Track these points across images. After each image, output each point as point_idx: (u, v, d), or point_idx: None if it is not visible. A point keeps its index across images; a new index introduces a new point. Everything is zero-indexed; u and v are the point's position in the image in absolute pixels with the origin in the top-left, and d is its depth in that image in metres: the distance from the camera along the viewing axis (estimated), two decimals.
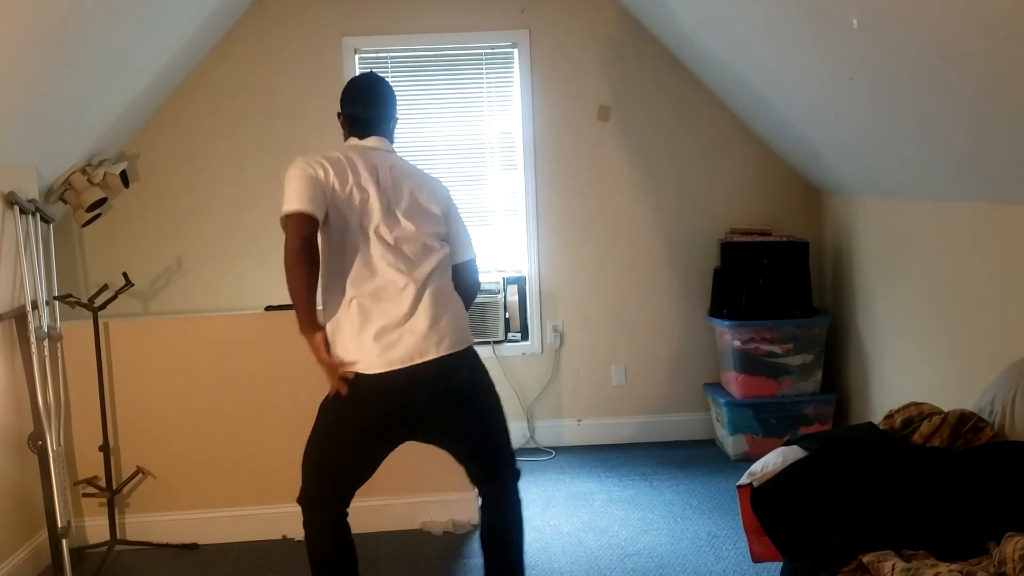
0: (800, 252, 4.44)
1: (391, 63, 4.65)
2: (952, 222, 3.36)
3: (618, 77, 4.67)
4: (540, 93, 4.67)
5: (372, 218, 2.49)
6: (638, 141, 4.71)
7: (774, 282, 4.40)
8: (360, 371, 2.41)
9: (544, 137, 4.69)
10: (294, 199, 2.41)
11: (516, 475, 2.68)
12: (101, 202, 4.06)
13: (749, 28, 3.49)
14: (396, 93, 2.81)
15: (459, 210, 2.74)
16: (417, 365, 2.42)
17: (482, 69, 4.70)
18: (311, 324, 2.45)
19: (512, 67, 4.69)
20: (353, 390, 2.42)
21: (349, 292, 2.46)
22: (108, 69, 3.68)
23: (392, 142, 2.72)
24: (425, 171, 2.71)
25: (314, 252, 2.41)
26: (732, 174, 4.74)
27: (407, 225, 2.52)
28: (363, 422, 2.47)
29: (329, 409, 2.51)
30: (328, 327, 2.49)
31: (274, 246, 4.62)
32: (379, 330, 2.42)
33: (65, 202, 4.00)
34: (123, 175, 4.12)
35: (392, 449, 2.57)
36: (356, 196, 2.49)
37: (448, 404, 2.52)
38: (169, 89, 4.51)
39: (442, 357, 2.44)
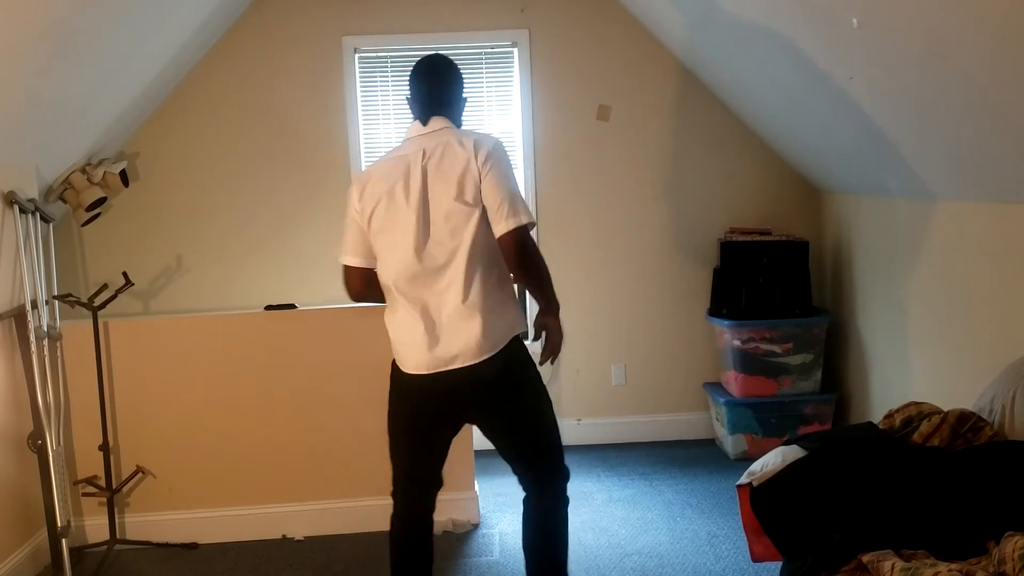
0: (800, 252, 4.44)
1: (391, 63, 4.65)
2: (952, 222, 3.36)
3: (618, 77, 4.67)
4: (540, 93, 4.67)
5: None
6: (638, 141, 4.71)
7: (774, 282, 4.40)
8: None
9: (544, 137, 4.69)
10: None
11: (551, 480, 2.64)
12: (101, 201, 4.05)
13: (749, 28, 3.49)
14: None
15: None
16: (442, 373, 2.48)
17: (482, 69, 4.69)
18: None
19: (512, 67, 4.69)
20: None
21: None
22: (108, 68, 3.68)
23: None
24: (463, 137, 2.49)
25: None
26: (732, 174, 4.74)
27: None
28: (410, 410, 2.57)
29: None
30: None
31: (273, 245, 4.65)
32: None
33: (65, 201, 3.99)
34: (123, 174, 4.12)
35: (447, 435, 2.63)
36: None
37: (471, 408, 2.58)
38: (169, 89, 4.51)
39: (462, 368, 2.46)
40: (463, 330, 2.41)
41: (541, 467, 2.63)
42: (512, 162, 2.53)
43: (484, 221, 2.42)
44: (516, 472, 2.66)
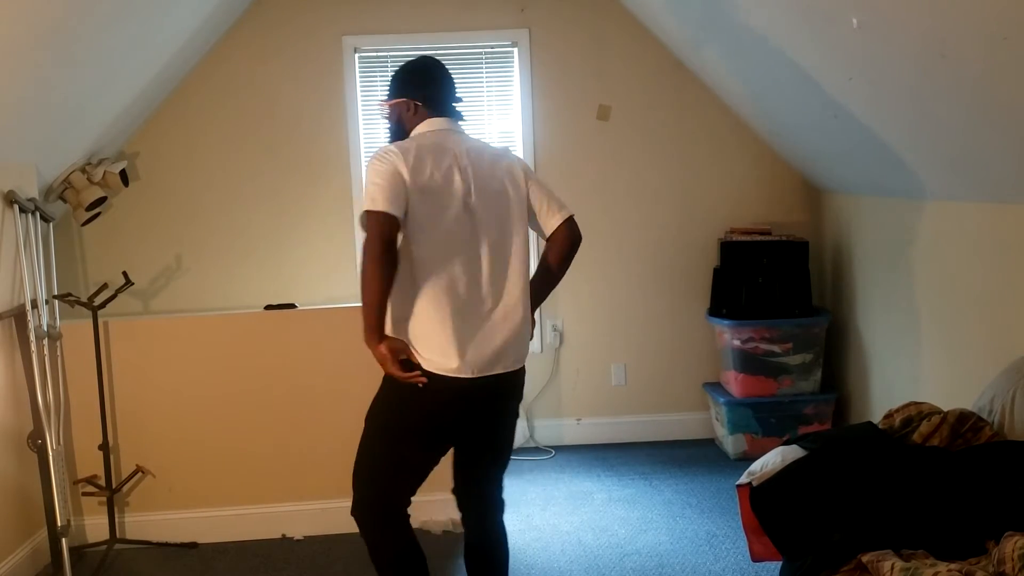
0: (800, 251, 4.44)
1: (391, 63, 4.64)
2: (952, 222, 3.36)
3: (618, 77, 4.67)
4: (540, 93, 4.67)
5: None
6: (638, 141, 4.71)
7: (774, 281, 4.40)
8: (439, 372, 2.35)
9: (544, 137, 4.69)
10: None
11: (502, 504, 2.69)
12: (101, 201, 4.06)
13: (749, 28, 3.49)
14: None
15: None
16: (488, 377, 2.38)
17: (482, 68, 4.69)
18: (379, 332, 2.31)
19: (512, 66, 4.69)
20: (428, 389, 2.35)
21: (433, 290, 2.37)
22: (108, 68, 3.68)
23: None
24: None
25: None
26: (732, 174, 4.74)
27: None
28: (433, 421, 2.42)
29: (391, 411, 2.44)
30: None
31: (273, 245, 4.65)
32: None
33: (65, 201, 4.00)
34: (123, 174, 4.12)
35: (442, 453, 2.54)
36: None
37: (486, 417, 2.51)
38: (169, 88, 4.51)
39: (506, 373, 2.43)
40: None
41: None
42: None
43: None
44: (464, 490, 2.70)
